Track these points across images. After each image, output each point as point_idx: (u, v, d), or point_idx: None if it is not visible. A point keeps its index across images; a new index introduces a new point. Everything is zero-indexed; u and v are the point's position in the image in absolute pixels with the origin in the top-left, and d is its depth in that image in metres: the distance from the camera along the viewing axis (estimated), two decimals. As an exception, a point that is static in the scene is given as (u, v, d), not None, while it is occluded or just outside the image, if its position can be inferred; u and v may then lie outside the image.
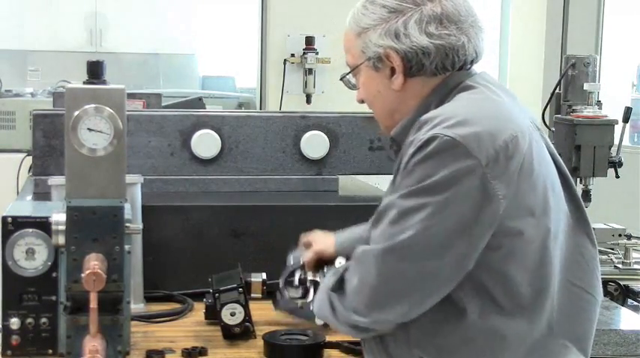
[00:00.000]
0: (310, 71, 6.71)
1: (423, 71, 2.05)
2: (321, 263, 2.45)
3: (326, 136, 3.44)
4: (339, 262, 2.34)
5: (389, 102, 2.12)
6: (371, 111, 2.19)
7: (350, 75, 2.19)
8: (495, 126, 1.93)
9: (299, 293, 2.42)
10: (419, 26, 2.02)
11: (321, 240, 2.51)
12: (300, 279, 2.42)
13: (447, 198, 1.86)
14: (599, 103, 3.43)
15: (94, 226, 2.16)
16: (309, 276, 2.41)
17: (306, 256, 2.48)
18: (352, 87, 2.20)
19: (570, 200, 2.06)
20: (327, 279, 2.12)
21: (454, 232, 1.88)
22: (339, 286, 2.01)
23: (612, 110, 3.48)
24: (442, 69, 2.05)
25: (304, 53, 6.69)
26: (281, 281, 2.47)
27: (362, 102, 2.19)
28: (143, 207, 2.91)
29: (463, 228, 1.88)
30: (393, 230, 1.90)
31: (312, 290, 2.37)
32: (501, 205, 1.88)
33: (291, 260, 2.52)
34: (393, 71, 2.07)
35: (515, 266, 1.93)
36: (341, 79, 2.21)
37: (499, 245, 1.91)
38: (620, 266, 3.36)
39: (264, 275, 2.77)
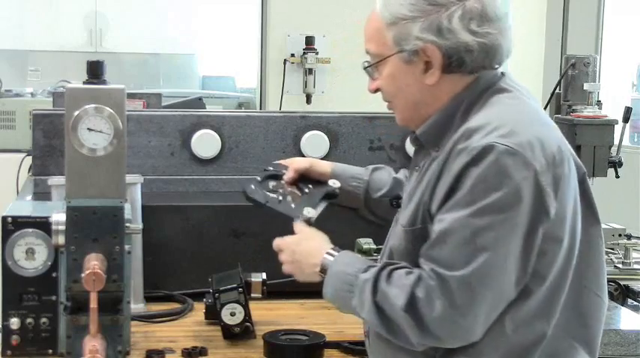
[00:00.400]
0: (310, 71, 6.71)
1: (461, 68, 2.02)
2: (304, 179, 2.44)
3: (326, 136, 3.44)
4: (334, 182, 2.39)
5: (417, 96, 2.07)
6: (381, 105, 2.16)
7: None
8: (542, 133, 1.95)
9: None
10: (462, 22, 1.99)
11: (304, 161, 2.49)
12: (273, 187, 2.35)
13: (514, 213, 1.87)
14: (599, 103, 3.43)
15: (94, 226, 2.16)
16: (287, 188, 2.36)
17: (287, 174, 2.44)
18: (371, 76, 2.14)
19: (583, 197, 2.04)
20: (387, 288, 1.97)
21: (522, 246, 1.89)
22: (411, 304, 1.92)
23: (612, 110, 3.49)
24: (480, 67, 2.03)
25: (304, 53, 6.69)
26: (255, 183, 2.38)
27: (375, 91, 2.14)
28: (143, 207, 2.91)
29: (527, 239, 1.89)
30: (469, 251, 1.88)
31: (289, 199, 2.34)
32: (552, 213, 1.90)
33: (270, 167, 2.44)
34: (427, 65, 2.02)
35: (553, 270, 1.95)
36: (366, 69, 2.14)
37: (545, 251, 1.92)
38: (620, 266, 3.36)
39: (264, 275, 2.77)
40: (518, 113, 2.00)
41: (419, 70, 2.03)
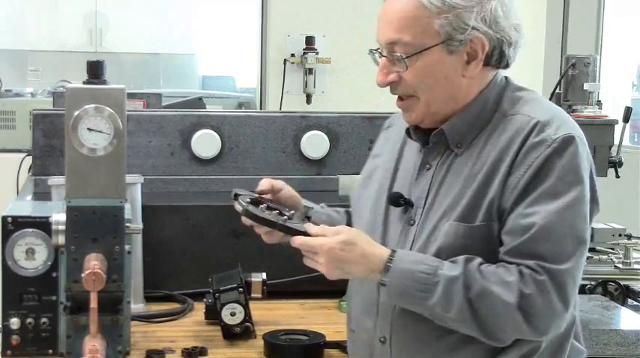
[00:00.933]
0: (310, 71, 6.70)
1: (500, 62, 2.03)
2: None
3: (326, 136, 3.44)
4: (306, 203, 2.30)
5: (452, 89, 2.03)
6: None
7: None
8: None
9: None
10: (505, 15, 2.00)
11: (280, 182, 2.32)
12: (262, 208, 2.19)
13: (587, 202, 1.97)
14: (599, 103, 3.42)
15: (94, 226, 2.15)
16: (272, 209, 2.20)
17: (267, 195, 2.28)
18: (401, 66, 2.02)
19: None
20: (487, 285, 1.93)
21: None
22: (522, 301, 1.91)
23: (612, 110, 3.48)
24: (510, 62, 2.05)
25: (304, 53, 6.68)
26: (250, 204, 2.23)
27: (387, 84, 2.05)
28: (143, 207, 2.91)
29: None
30: (572, 244, 1.93)
31: (291, 216, 2.17)
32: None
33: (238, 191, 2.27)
34: (469, 57, 2.00)
35: None
36: (402, 59, 2.00)
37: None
38: (620, 266, 3.36)
39: (264, 275, 2.77)
40: (556, 108, 2.07)
41: (461, 62, 2.00)
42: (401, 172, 2.17)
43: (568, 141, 1.94)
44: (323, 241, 1.99)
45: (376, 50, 2.07)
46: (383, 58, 2.04)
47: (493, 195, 1.97)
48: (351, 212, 2.35)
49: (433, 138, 2.08)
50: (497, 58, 2.02)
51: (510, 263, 1.93)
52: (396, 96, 2.09)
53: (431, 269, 1.94)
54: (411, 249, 2.05)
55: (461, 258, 1.96)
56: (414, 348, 2.05)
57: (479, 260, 1.96)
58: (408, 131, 2.16)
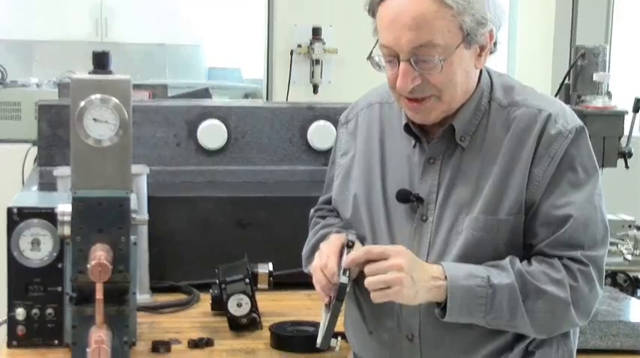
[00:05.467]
0: (317, 61, 6.68)
1: (494, 50, 2.03)
2: None
3: (333, 127, 3.44)
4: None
5: (469, 83, 2.02)
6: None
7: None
8: None
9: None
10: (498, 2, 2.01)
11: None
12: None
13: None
14: (609, 94, 3.42)
15: (99, 217, 2.16)
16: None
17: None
18: (440, 71, 1.95)
19: None
20: (540, 286, 1.96)
21: None
22: (575, 295, 1.97)
23: (623, 100, 3.48)
24: (498, 46, 2.05)
25: (311, 43, 6.68)
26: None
27: (409, 91, 1.97)
28: (149, 198, 2.92)
29: None
30: (603, 230, 2.02)
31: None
32: None
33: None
34: (481, 48, 1.99)
35: None
36: (443, 61, 1.93)
37: None
38: (629, 257, 3.35)
39: (270, 266, 2.78)
40: (552, 97, 2.16)
41: (475, 54, 2.00)
42: (391, 168, 2.14)
43: (581, 130, 2.01)
44: (395, 267, 1.92)
45: (394, 56, 1.97)
46: (403, 63, 1.95)
47: (518, 188, 1.99)
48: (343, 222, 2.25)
49: (441, 134, 2.06)
50: (495, 45, 2.03)
51: (551, 255, 1.98)
52: (407, 98, 2.01)
53: (484, 281, 1.95)
54: (430, 246, 2.04)
55: (505, 263, 1.98)
56: (445, 341, 2.05)
57: (518, 260, 1.99)
58: (407, 127, 2.10)
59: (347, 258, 2.00)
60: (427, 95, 1.99)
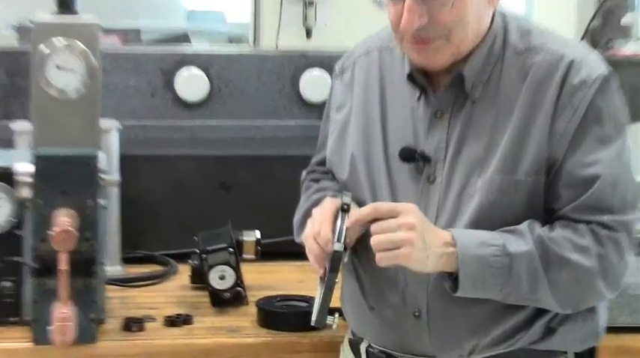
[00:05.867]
0: (311, 2, 6.68)
1: None
2: None
3: (328, 76, 3.43)
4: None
5: (481, 24, 2.01)
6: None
7: None
8: None
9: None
10: None
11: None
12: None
13: None
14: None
15: (64, 177, 2.16)
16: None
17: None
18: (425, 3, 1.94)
19: None
20: (565, 255, 1.95)
21: None
22: (604, 264, 1.97)
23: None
24: None
25: (304, -18, 6.67)
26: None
27: (413, 29, 1.96)
28: (120, 156, 2.91)
29: None
30: (633, 190, 2.01)
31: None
32: None
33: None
34: None
35: None
36: None
37: None
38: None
39: (257, 234, 2.78)
40: (575, 40, 2.14)
41: None
42: (394, 122, 2.13)
43: (607, 79, 1.98)
44: (407, 226, 1.91)
45: None
46: (408, 0, 1.94)
47: (537, 145, 1.97)
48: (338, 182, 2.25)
49: (449, 84, 2.05)
50: None
51: (578, 220, 1.96)
52: (411, 39, 2.00)
53: (499, 250, 1.93)
54: (438, 210, 2.03)
55: (523, 228, 1.96)
56: (453, 317, 2.04)
57: (539, 224, 1.97)
58: (410, 76, 2.09)
59: (350, 218, 1.99)
60: (434, 36, 1.97)
